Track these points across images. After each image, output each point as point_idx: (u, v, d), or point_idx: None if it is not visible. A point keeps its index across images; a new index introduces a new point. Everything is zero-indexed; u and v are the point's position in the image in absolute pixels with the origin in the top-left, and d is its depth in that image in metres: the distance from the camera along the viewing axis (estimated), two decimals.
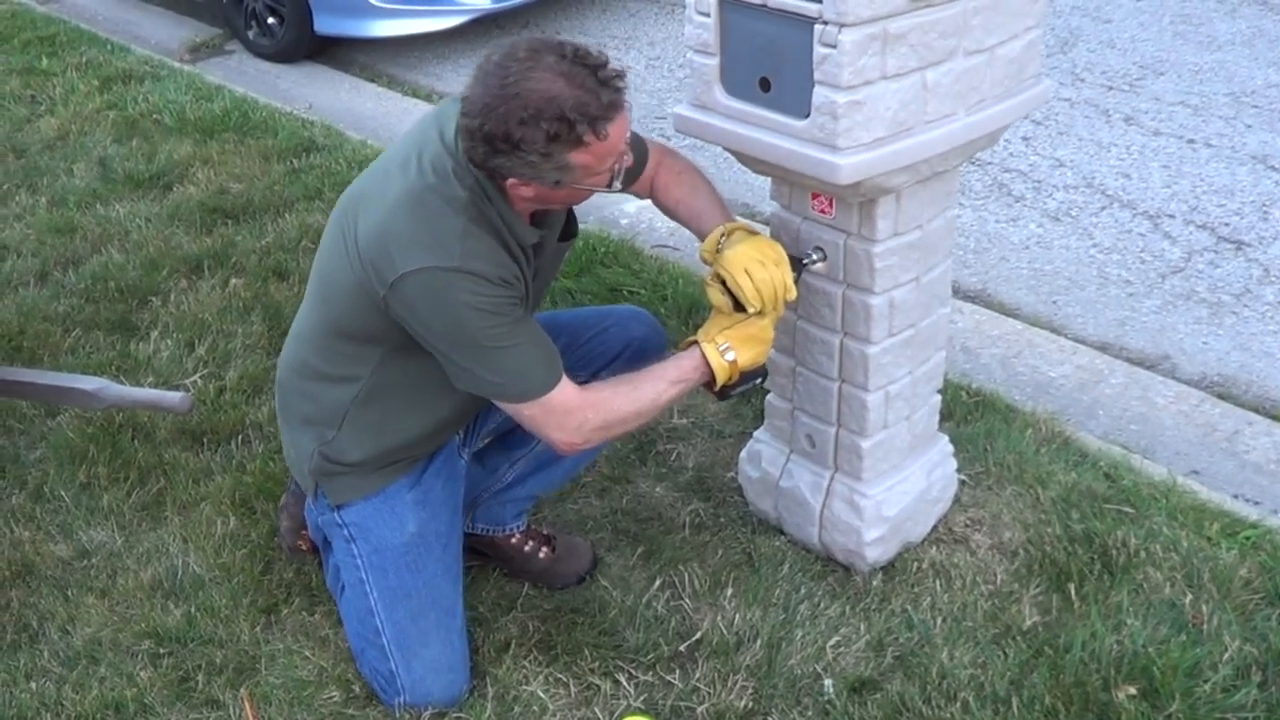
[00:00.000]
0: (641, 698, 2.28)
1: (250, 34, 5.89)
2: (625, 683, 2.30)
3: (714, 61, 2.11)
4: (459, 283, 1.96)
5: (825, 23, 1.90)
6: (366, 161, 4.09)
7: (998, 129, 2.19)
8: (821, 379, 2.41)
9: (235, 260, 3.77)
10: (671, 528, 2.66)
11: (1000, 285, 3.73)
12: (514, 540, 2.54)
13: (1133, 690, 2.19)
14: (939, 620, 2.38)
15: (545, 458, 2.45)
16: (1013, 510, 2.63)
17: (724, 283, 2.12)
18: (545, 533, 2.59)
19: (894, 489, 2.46)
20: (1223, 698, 2.18)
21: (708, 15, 2.08)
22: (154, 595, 2.56)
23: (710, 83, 2.13)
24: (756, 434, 2.65)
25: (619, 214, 4.09)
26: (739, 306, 2.13)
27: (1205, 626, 2.33)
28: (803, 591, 2.47)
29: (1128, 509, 2.62)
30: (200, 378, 3.23)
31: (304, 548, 2.59)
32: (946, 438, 2.62)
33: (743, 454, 2.67)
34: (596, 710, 2.26)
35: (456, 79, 5.42)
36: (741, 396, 2.40)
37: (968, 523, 2.61)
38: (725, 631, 2.38)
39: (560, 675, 2.32)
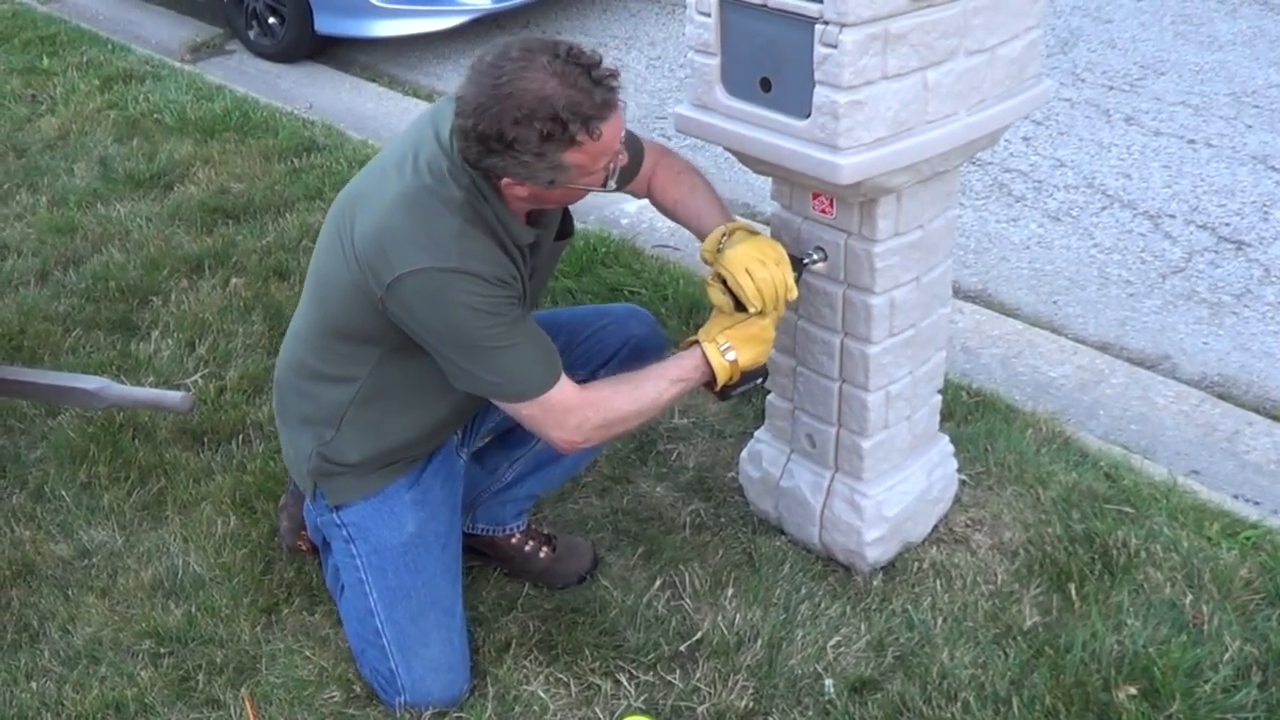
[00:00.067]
0: (642, 698, 2.28)
1: (251, 34, 5.89)
2: (626, 683, 2.30)
3: (715, 61, 2.11)
4: (456, 283, 1.96)
5: (826, 23, 1.90)
6: (367, 161, 4.08)
7: (998, 129, 2.19)
8: (822, 379, 2.41)
9: (236, 260, 3.77)
10: (672, 528, 2.66)
11: (1001, 285, 3.73)
12: (514, 540, 2.54)
13: (1133, 690, 2.19)
14: (939, 620, 2.38)
15: (545, 457, 2.45)
16: (1013, 510, 2.63)
17: (725, 282, 2.12)
18: (545, 532, 2.59)
19: (894, 489, 2.46)
20: (1223, 698, 2.18)
21: (708, 15, 2.08)
22: (154, 595, 2.56)
23: (711, 83, 2.13)
24: (757, 434, 2.65)
25: (619, 214, 4.09)
26: (740, 306, 2.13)
27: (1206, 627, 2.33)
28: (803, 591, 2.47)
29: (1128, 509, 2.62)
30: (201, 377, 3.23)
31: (304, 548, 2.59)
32: (947, 438, 2.62)
33: (743, 454, 2.67)
34: (597, 710, 2.26)
35: (457, 79, 5.38)
36: (742, 396, 2.40)
37: (968, 523, 2.61)
38: (726, 631, 2.38)
39: (561, 675, 2.32)
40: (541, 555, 2.54)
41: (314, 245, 2.25)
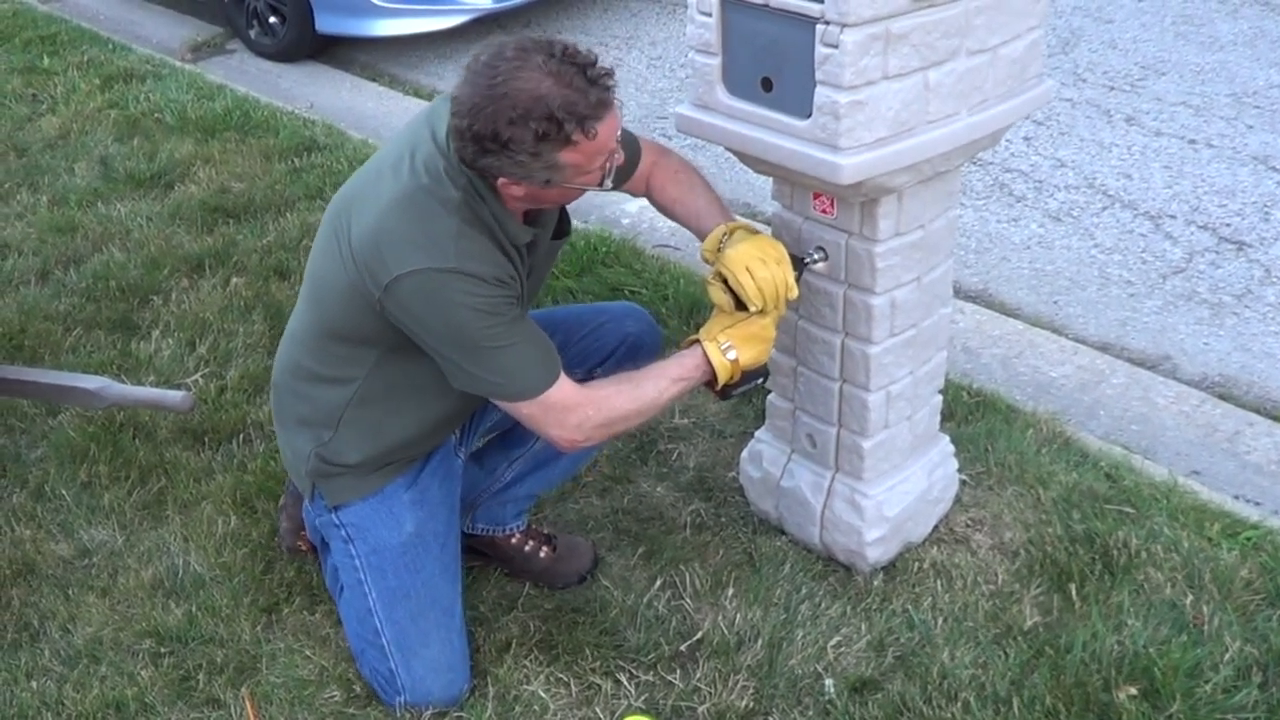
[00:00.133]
0: (642, 697, 2.28)
1: (252, 33, 5.89)
2: (626, 682, 2.30)
3: (716, 61, 2.11)
4: (454, 283, 1.96)
5: (827, 23, 1.90)
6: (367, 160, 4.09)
7: (1000, 129, 2.19)
8: (823, 379, 2.40)
9: (236, 259, 3.78)
10: (673, 527, 2.66)
11: (1001, 285, 3.73)
12: (514, 540, 2.54)
13: (1133, 690, 2.19)
14: (940, 620, 2.38)
15: (544, 456, 2.45)
16: (1014, 510, 2.63)
17: (725, 281, 2.12)
18: (546, 532, 2.59)
19: (895, 489, 2.46)
20: (1223, 698, 2.18)
21: (710, 15, 2.08)
22: (155, 594, 2.56)
23: (712, 82, 2.13)
24: (758, 434, 2.65)
25: (620, 214, 4.09)
26: (741, 305, 2.13)
27: (1206, 627, 2.33)
28: (804, 591, 2.47)
29: (1129, 509, 2.62)
30: (201, 377, 3.23)
31: (303, 548, 2.59)
32: (947, 438, 2.62)
33: (744, 454, 2.67)
34: (597, 710, 2.26)
35: (458, 79, 5.41)
36: (743, 396, 2.40)
37: (969, 523, 2.61)
38: (726, 631, 2.38)
39: (561, 675, 2.32)
40: (542, 555, 2.54)
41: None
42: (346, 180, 2.22)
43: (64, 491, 2.84)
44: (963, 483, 2.67)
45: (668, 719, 2.25)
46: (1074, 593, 2.41)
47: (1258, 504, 2.74)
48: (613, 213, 4.08)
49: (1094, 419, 3.07)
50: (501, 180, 1.96)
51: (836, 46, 1.90)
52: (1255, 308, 3.53)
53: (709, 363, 2.13)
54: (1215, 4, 5.53)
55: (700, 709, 2.25)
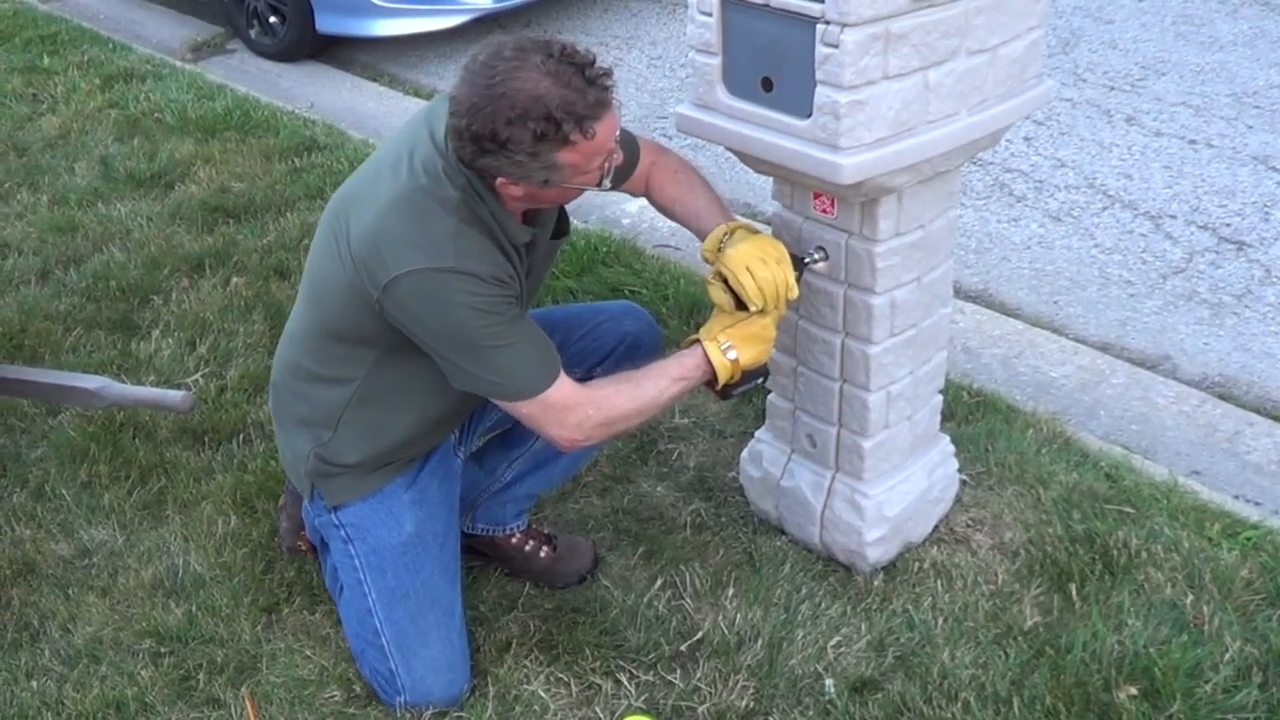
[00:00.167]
0: (643, 697, 2.28)
1: (252, 33, 5.89)
2: (626, 682, 2.30)
3: (716, 61, 2.11)
4: (453, 283, 1.96)
5: (827, 22, 1.90)
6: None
7: (1000, 129, 2.19)
8: (823, 379, 2.40)
9: (237, 259, 3.78)
10: (673, 527, 2.66)
11: (1001, 285, 3.73)
12: (514, 540, 2.54)
13: (1134, 690, 2.19)
14: (940, 620, 2.38)
15: (543, 456, 2.45)
16: (1014, 510, 2.63)
17: (726, 281, 2.12)
18: (546, 532, 2.59)
19: (895, 489, 2.46)
20: (1224, 698, 2.18)
21: (710, 15, 2.08)
22: (155, 594, 2.56)
23: (712, 82, 2.13)
24: (758, 434, 2.65)
25: (621, 214, 4.09)
26: (741, 305, 2.13)
27: (1206, 627, 2.33)
28: (804, 591, 2.46)
29: (1129, 509, 2.62)
30: (201, 376, 3.23)
31: (303, 548, 2.59)
32: (948, 438, 2.62)
33: (744, 454, 2.67)
34: (598, 710, 2.26)
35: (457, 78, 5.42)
36: (743, 396, 2.40)
37: (969, 523, 2.61)
38: (726, 631, 2.38)
39: (561, 675, 2.32)
40: (542, 555, 2.54)
41: None
42: (346, 180, 2.22)
43: (64, 491, 2.84)
44: (963, 483, 2.67)
45: (668, 719, 2.25)
46: (1074, 593, 2.41)
47: (1258, 504, 2.74)
48: (613, 213, 4.08)
49: (1094, 419, 3.07)
50: (500, 180, 1.96)
51: (837, 46, 1.90)
52: (1255, 308, 3.53)
53: (709, 362, 2.13)
54: (1215, 4, 5.53)
55: (700, 709, 2.25)
